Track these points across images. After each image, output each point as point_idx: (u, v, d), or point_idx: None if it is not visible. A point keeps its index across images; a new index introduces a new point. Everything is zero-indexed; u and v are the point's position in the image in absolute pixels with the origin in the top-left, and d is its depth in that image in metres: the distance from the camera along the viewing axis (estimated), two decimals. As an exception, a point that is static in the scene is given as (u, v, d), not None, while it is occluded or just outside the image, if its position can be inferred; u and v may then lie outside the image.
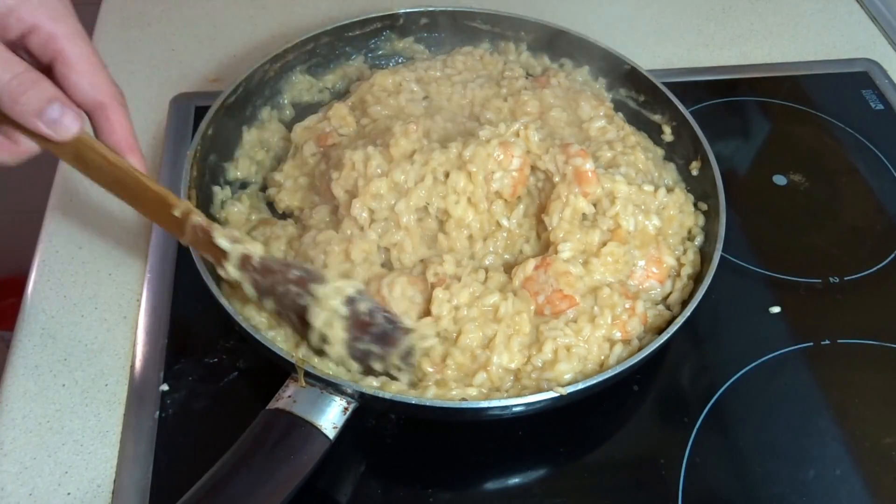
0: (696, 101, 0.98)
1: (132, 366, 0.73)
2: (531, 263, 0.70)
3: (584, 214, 0.73)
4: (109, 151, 0.59)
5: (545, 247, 0.74)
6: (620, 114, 0.87)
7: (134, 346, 0.74)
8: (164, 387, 0.71)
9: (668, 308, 0.73)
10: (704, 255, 0.76)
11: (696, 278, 0.74)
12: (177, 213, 0.61)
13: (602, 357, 0.68)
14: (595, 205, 0.74)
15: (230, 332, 0.74)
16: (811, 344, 0.78)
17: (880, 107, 1.02)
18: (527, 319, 0.68)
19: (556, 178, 0.74)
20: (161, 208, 0.61)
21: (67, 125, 0.54)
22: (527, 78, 0.90)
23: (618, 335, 0.68)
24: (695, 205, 0.80)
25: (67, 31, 0.55)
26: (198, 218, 0.61)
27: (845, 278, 0.84)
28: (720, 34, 1.11)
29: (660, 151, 0.86)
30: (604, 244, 0.72)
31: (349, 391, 0.61)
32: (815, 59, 1.08)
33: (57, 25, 0.55)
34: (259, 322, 0.68)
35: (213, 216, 0.78)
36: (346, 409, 0.61)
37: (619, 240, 0.72)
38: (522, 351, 0.67)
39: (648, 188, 0.76)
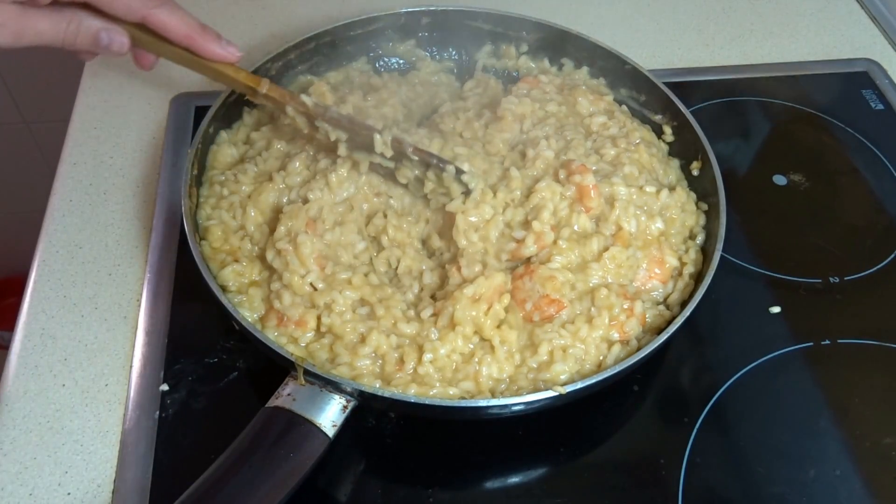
0: (696, 101, 0.98)
1: (132, 366, 0.73)
2: (507, 276, 0.70)
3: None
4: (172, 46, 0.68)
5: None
6: (624, 106, 0.87)
7: (134, 346, 0.74)
8: (164, 387, 0.71)
9: (667, 308, 0.73)
10: (706, 253, 0.76)
11: (698, 277, 0.74)
12: (263, 89, 0.73)
13: (600, 358, 0.68)
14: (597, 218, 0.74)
15: (230, 332, 0.74)
16: (811, 344, 0.78)
17: (880, 107, 1.02)
18: (509, 328, 0.68)
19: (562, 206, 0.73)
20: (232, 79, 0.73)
21: (119, 42, 0.66)
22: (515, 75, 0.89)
23: (616, 336, 0.68)
24: (695, 203, 0.80)
25: None
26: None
27: (845, 278, 0.84)
28: (720, 34, 1.11)
29: (664, 146, 0.85)
30: (605, 249, 0.72)
31: (348, 389, 0.61)
32: (815, 59, 1.08)
33: None
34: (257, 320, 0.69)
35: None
36: (345, 407, 0.61)
37: (622, 243, 0.72)
38: (512, 358, 0.67)
39: (650, 189, 0.76)
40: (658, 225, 0.74)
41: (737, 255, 0.84)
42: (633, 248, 0.73)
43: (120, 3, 0.64)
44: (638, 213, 0.74)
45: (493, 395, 0.65)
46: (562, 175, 0.74)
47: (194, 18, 0.67)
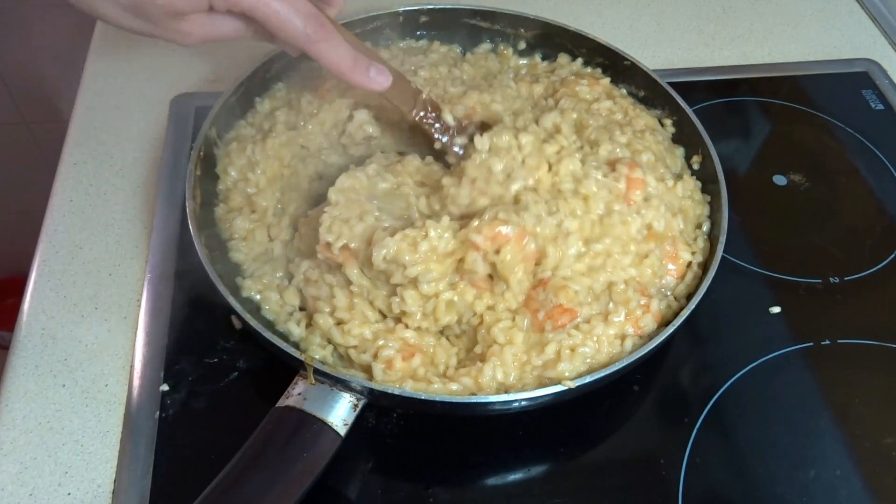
0: (696, 101, 0.98)
1: (132, 366, 0.73)
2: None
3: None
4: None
5: None
6: (623, 90, 0.87)
7: (134, 346, 0.74)
8: (165, 387, 0.71)
9: (675, 300, 0.72)
10: (712, 242, 0.75)
11: (704, 268, 0.73)
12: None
13: (611, 355, 0.67)
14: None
15: (230, 331, 0.74)
16: (811, 344, 0.78)
17: (880, 107, 1.02)
18: (517, 331, 0.67)
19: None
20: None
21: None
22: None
23: (630, 330, 0.68)
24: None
25: None
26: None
27: (845, 278, 0.84)
28: (720, 34, 1.11)
29: (668, 132, 0.85)
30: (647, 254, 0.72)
31: (358, 387, 0.61)
32: (815, 59, 1.08)
33: None
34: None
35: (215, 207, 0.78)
36: (355, 405, 0.61)
37: (654, 240, 0.72)
38: (518, 359, 0.66)
39: (669, 183, 0.75)
40: (679, 223, 0.74)
41: (737, 255, 0.84)
42: (655, 244, 0.72)
43: (287, 28, 0.63)
44: (663, 209, 0.73)
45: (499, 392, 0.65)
46: (611, 178, 0.73)
47: (350, 50, 0.67)
